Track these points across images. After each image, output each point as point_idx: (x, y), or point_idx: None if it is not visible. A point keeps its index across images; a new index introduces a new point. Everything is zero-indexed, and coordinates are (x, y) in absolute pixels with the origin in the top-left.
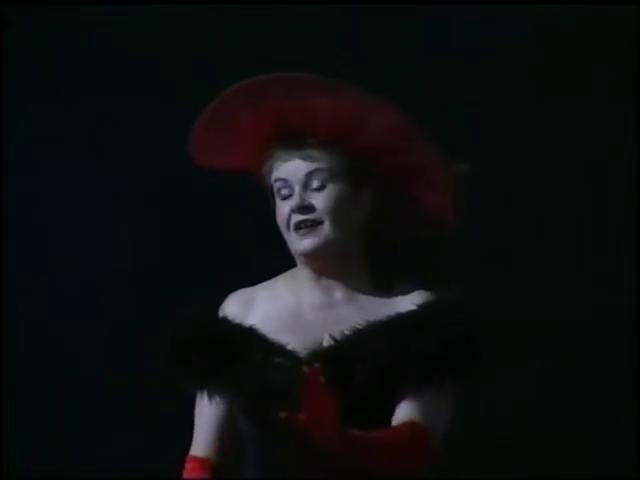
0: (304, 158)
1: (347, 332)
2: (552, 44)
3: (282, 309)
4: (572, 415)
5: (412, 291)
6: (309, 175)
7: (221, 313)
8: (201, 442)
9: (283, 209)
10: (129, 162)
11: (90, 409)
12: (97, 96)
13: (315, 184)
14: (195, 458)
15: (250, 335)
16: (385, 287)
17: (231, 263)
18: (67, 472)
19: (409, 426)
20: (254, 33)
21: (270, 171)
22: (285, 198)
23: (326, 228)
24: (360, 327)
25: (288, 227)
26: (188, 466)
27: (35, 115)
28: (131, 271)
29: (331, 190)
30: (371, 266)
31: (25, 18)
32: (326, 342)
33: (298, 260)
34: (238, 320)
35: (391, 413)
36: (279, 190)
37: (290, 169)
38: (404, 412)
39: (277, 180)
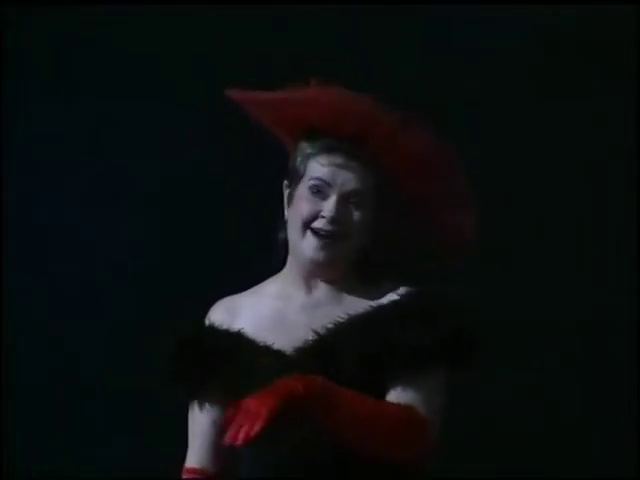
0: (356, 173)
1: (329, 326)
2: (552, 44)
3: (267, 312)
4: (572, 415)
5: (397, 287)
6: (353, 192)
7: (207, 322)
8: (196, 453)
9: (309, 205)
10: (129, 162)
11: (90, 409)
12: (97, 96)
13: (353, 201)
14: (192, 469)
15: (237, 339)
16: (372, 284)
17: (231, 263)
18: (67, 472)
19: (407, 409)
20: (254, 33)
21: (310, 157)
22: (316, 195)
23: (344, 247)
24: (342, 320)
25: (305, 226)
26: (185, 477)
27: (35, 115)
28: (131, 271)
29: (363, 212)
30: (360, 265)
31: (25, 18)
32: (310, 337)
33: (294, 258)
34: (225, 327)
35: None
36: (314, 186)
37: (338, 177)
38: (400, 399)
39: (318, 179)
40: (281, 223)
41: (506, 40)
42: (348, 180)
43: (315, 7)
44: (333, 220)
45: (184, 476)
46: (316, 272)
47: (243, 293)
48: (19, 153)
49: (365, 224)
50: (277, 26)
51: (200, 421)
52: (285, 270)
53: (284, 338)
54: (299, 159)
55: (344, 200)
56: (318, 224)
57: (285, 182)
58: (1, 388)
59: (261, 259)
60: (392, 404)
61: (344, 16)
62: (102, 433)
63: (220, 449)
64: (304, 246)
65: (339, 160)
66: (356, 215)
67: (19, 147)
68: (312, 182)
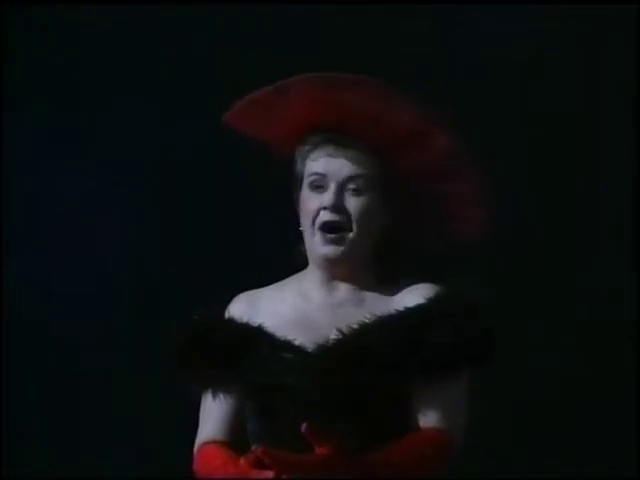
0: (349, 160)
1: (355, 326)
2: (552, 44)
3: (288, 309)
4: (572, 415)
5: (417, 285)
6: (350, 178)
7: (227, 314)
8: (209, 430)
9: (312, 202)
10: (130, 162)
11: (90, 409)
12: (97, 96)
13: (352, 187)
14: (206, 443)
15: (257, 333)
16: (391, 282)
17: (233, 264)
18: (67, 472)
19: (433, 436)
20: (254, 33)
21: (305, 157)
22: (317, 191)
23: (352, 237)
24: (368, 321)
25: (313, 224)
26: (205, 453)
27: (35, 115)
28: (132, 270)
29: (366, 198)
30: (378, 262)
31: (25, 18)
32: (334, 336)
33: (311, 259)
34: (245, 319)
35: (400, 407)
36: (313, 181)
37: (332, 166)
38: (424, 414)
39: (314, 174)
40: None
41: (506, 40)
42: (342, 167)
43: (315, 7)
44: (334, 208)
45: (201, 452)
46: (331, 269)
47: (264, 288)
48: (19, 153)
49: (369, 212)
50: (277, 26)
51: (213, 407)
52: (306, 270)
53: (306, 335)
54: (297, 165)
55: (342, 188)
56: (321, 218)
57: (294, 194)
58: (1, 388)
59: (263, 259)
60: (419, 439)
61: (344, 16)
62: (102, 433)
63: (234, 424)
64: (315, 244)
65: (329, 150)
66: (358, 202)
67: (19, 147)
68: (309, 179)
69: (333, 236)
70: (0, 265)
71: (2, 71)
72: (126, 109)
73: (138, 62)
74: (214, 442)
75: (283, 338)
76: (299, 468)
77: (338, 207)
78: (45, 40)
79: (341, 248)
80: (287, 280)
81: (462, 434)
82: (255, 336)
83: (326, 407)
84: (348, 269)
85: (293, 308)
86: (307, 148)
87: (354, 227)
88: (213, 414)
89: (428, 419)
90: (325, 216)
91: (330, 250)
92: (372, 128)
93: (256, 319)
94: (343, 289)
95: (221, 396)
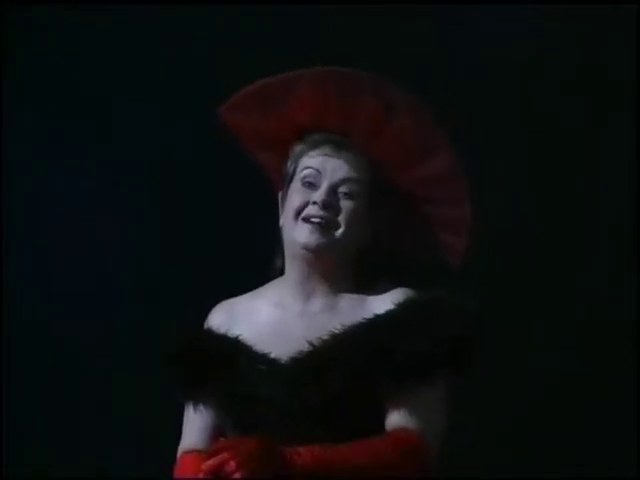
0: (346, 162)
1: (325, 337)
2: (552, 44)
3: (266, 320)
4: (572, 415)
5: (393, 290)
6: (344, 180)
7: (206, 325)
8: (190, 439)
9: (301, 196)
10: (130, 162)
11: (90, 409)
12: (97, 96)
13: (345, 190)
14: (188, 451)
15: (235, 345)
16: (368, 287)
17: (233, 264)
18: (67, 472)
19: (401, 441)
20: (254, 33)
21: (301, 155)
22: (308, 187)
23: (338, 234)
24: (337, 331)
25: (297, 216)
26: (184, 461)
27: (35, 115)
28: (132, 270)
29: (357, 202)
30: (357, 267)
31: (25, 18)
32: (306, 348)
33: (290, 256)
34: (223, 330)
35: (376, 415)
36: (305, 177)
37: (328, 165)
38: (396, 418)
39: (309, 168)
40: (278, 249)
41: (506, 40)
42: (338, 168)
43: (315, 7)
44: (324, 205)
45: (182, 460)
46: (310, 262)
47: (242, 297)
48: (19, 153)
49: (358, 216)
50: (277, 26)
51: (194, 416)
52: (284, 277)
53: (281, 347)
54: (289, 162)
55: (335, 189)
56: (309, 211)
57: (280, 194)
58: (1, 388)
59: (264, 260)
60: (386, 440)
61: (344, 16)
62: (102, 433)
63: (215, 432)
64: (296, 234)
65: (328, 150)
66: (348, 205)
67: (19, 147)
68: (303, 173)
69: (317, 227)
70: (0, 265)
71: (2, 71)
72: (126, 109)
73: (138, 62)
74: (195, 451)
75: (260, 351)
76: (242, 450)
77: (328, 204)
78: (45, 40)
79: (324, 239)
80: (265, 287)
81: (438, 440)
82: (233, 348)
83: (303, 418)
84: (326, 266)
85: (270, 318)
86: (304, 146)
87: (341, 226)
88: (195, 423)
89: (399, 423)
90: (313, 210)
91: (313, 238)
92: (374, 140)
93: (234, 330)
94: (319, 295)
95: (202, 407)
